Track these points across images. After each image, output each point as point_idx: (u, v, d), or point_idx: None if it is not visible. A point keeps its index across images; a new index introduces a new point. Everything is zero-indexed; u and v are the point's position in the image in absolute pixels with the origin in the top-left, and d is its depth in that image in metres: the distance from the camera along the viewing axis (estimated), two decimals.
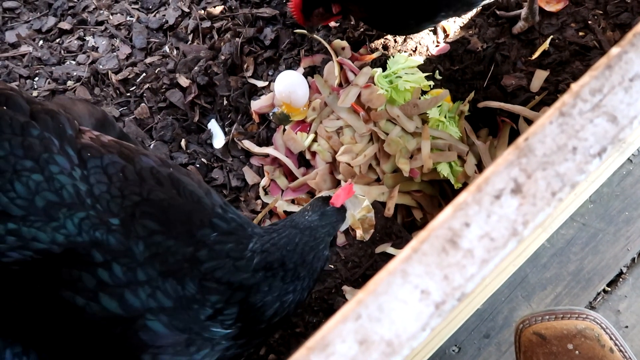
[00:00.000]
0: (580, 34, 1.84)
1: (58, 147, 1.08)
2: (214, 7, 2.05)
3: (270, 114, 1.83)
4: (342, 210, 1.27)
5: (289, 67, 1.90)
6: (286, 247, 1.15)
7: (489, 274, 0.44)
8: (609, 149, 0.45)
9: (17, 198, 1.01)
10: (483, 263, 0.44)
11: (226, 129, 1.86)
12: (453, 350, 1.48)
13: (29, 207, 1.02)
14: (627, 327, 1.46)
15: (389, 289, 0.44)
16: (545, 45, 1.81)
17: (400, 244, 1.63)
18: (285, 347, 1.50)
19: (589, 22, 1.84)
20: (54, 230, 1.03)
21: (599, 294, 1.50)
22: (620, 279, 1.51)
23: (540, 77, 1.80)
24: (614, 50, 0.49)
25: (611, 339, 1.22)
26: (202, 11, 2.05)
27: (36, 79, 1.97)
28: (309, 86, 1.82)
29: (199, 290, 1.07)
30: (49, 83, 1.95)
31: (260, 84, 1.90)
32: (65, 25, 2.07)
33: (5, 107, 1.07)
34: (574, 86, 0.47)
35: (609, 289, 1.51)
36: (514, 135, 1.76)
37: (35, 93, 1.94)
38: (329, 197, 1.27)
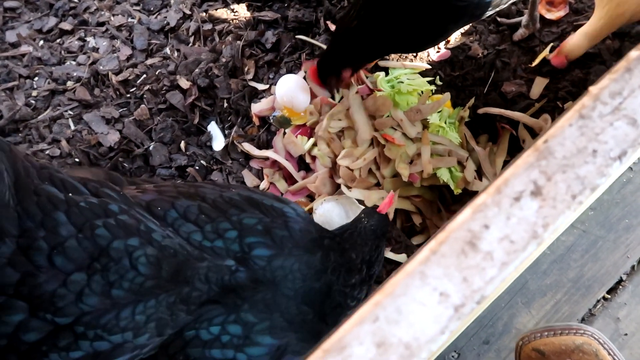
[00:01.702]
0: None
1: (140, 215, 1.00)
2: (216, 9, 2.05)
3: (271, 117, 1.83)
4: (387, 216, 1.38)
5: (289, 71, 1.90)
6: (365, 244, 1.24)
7: (509, 277, 0.44)
8: (629, 153, 0.45)
9: (147, 279, 0.94)
10: (503, 265, 0.43)
11: (226, 132, 1.86)
12: (452, 356, 1.47)
13: (160, 283, 0.95)
14: (626, 334, 1.46)
15: (407, 291, 0.43)
16: (546, 52, 1.82)
17: (399, 248, 1.62)
18: None
19: None
20: (188, 296, 0.98)
21: (598, 301, 1.50)
22: (620, 287, 1.51)
23: (540, 84, 1.81)
24: (633, 54, 0.49)
25: (609, 354, 1.24)
26: (204, 13, 2.05)
27: (36, 78, 1.96)
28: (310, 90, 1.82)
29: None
30: (48, 83, 1.94)
31: (260, 87, 1.90)
32: (66, 25, 2.06)
33: (70, 194, 0.96)
34: (593, 89, 0.47)
35: (609, 296, 1.51)
36: (514, 141, 1.76)
37: (34, 93, 1.93)
38: (376, 207, 1.38)
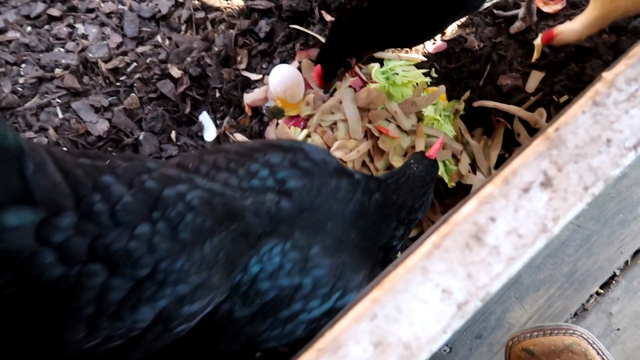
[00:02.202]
0: None
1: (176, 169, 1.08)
2: None
3: (264, 107, 1.80)
4: (436, 161, 1.43)
5: (283, 61, 1.87)
6: (411, 191, 1.32)
7: (516, 273, 0.42)
8: None
9: (205, 219, 0.99)
10: (510, 261, 0.41)
11: (218, 122, 1.83)
12: (444, 351, 1.46)
13: (217, 220, 0.99)
14: (619, 329, 1.45)
15: (407, 287, 0.41)
16: (539, 43, 1.80)
17: None
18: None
19: None
20: (245, 230, 1.05)
21: (591, 296, 1.49)
22: (613, 282, 1.51)
23: (536, 78, 1.79)
24: None
25: (598, 353, 1.25)
26: (196, 1, 2.01)
27: (23, 65, 1.91)
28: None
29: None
30: (36, 70, 1.90)
31: (253, 76, 1.86)
32: (54, 11, 2.01)
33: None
34: (607, 75, 0.45)
35: (602, 291, 1.50)
36: (509, 135, 1.75)
37: (21, 80, 1.88)
38: (425, 151, 1.43)
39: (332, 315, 1.10)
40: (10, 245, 0.77)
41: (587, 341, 1.25)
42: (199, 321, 0.99)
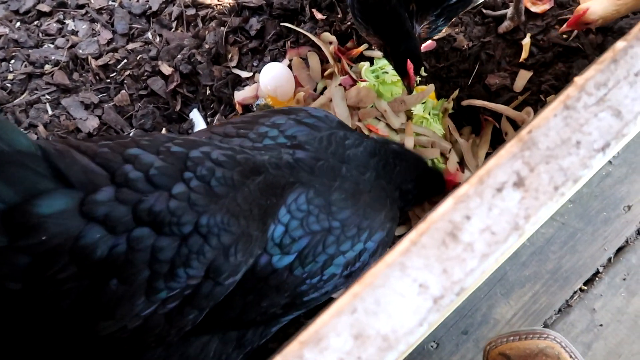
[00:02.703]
0: (564, 36, 1.86)
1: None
2: None
3: (254, 105, 1.81)
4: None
5: (274, 59, 1.88)
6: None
7: (489, 269, 0.43)
8: (612, 144, 0.44)
9: (233, 173, 1.04)
10: (483, 257, 0.43)
11: (208, 119, 1.83)
12: (431, 346, 1.48)
13: (244, 174, 1.04)
14: (601, 325, 1.48)
15: (386, 282, 0.43)
16: (527, 42, 1.82)
17: None
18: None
19: None
20: (270, 181, 1.09)
21: (575, 292, 1.52)
22: (597, 278, 1.54)
23: (523, 77, 1.81)
24: (620, 44, 0.49)
25: (571, 356, 1.29)
26: None
27: (12, 61, 1.91)
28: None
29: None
30: (25, 66, 1.89)
31: (244, 74, 1.87)
32: (44, 7, 2.00)
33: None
34: (579, 79, 0.47)
35: (586, 288, 1.53)
36: (497, 133, 1.77)
37: (10, 76, 1.88)
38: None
39: (365, 258, 1.16)
40: (55, 230, 0.81)
41: (560, 345, 1.31)
42: (243, 277, 1.02)
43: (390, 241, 1.30)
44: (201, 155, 1.00)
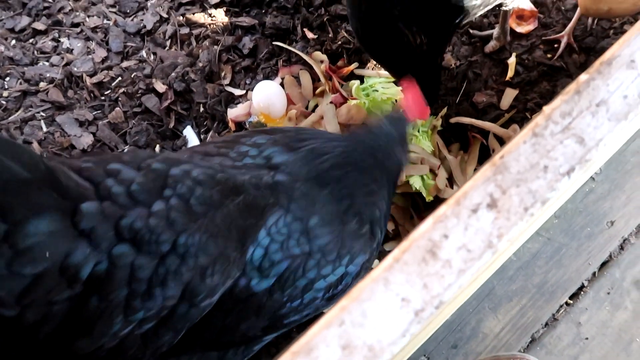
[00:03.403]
0: (548, 55, 1.92)
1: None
2: (193, 13, 2.06)
3: (247, 122, 1.84)
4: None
5: (266, 77, 1.92)
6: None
7: (466, 284, 0.47)
8: (577, 169, 0.48)
9: (212, 192, 1.04)
10: (460, 273, 0.46)
11: (202, 136, 1.86)
12: None
13: (224, 193, 1.04)
14: (587, 338, 1.51)
15: (372, 296, 0.46)
16: (513, 61, 1.88)
17: None
18: None
19: (556, 44, 1.92)
20: (250, 201, 1.09)
21: (561, 306, 1.56)
22: (582, 292, 1.57)
23: (510, 95, 1.86)
24: (583, 77, 0.53)
25: None
26: (181, 17, 2.05)
27: (7, 79, 1.93)
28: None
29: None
30: (20, 84, 1.92)
31: (237, 92, 1.91)
32: (39, 25, 2.04)
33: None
34: (546, 109, 0.51)
35: (571, 302, 1.56)
36: (484, 150, 1.81)
37: (5, 93, 1.90)
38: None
39: (348, 281, 1.14)
40: (47, 250, 0.82)
41: None
42: (221, 299, 1.02)
43: (374, 259, 1.29)
44: (182, 174, 1.00)
